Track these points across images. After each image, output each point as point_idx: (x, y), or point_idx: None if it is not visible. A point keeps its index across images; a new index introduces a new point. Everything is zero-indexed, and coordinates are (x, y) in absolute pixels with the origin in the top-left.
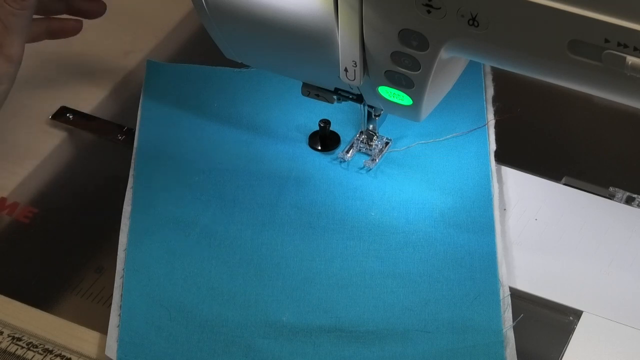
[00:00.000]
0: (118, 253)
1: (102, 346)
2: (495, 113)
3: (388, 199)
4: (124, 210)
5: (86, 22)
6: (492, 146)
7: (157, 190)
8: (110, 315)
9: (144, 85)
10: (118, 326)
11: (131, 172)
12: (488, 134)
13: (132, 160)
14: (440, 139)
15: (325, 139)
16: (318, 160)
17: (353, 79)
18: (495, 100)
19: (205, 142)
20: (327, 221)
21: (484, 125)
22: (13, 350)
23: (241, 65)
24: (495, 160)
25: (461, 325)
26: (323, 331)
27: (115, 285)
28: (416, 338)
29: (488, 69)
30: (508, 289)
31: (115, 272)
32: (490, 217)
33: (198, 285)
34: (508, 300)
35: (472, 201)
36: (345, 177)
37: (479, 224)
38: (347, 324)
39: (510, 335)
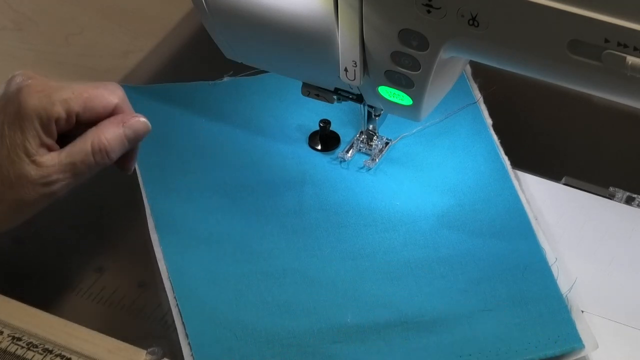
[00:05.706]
0: (164, 281)
1: (102, 346)
2: (480, 90)
3: (389, 197)
4: (152, 238)
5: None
6: (489, 120)
7: (177, 215)
8: (181, 343)
9: None
10: (192, 355)
11: (145, 202)
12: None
13: (143, 192)
14: (436, 121)
15: (325, 139)
16: (318, 160)
17: (353, 79)
18: (475, 77)
19: (207, 158)
20: (337, 219)
21: (475, 103)
22: (13, 350)
23: (226, 71)
24: None
25: (520, 298)
26: (390, 326)
27: (174, 312)
28: (481, 317)
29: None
30: (553, 255)
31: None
32: (511, 189)
33: (252, 302)
34: (557, 265)
35: (488, 180)
36: (345, 177)
37: (501, 199)
38: (410, 315)
39: (571, 298)
